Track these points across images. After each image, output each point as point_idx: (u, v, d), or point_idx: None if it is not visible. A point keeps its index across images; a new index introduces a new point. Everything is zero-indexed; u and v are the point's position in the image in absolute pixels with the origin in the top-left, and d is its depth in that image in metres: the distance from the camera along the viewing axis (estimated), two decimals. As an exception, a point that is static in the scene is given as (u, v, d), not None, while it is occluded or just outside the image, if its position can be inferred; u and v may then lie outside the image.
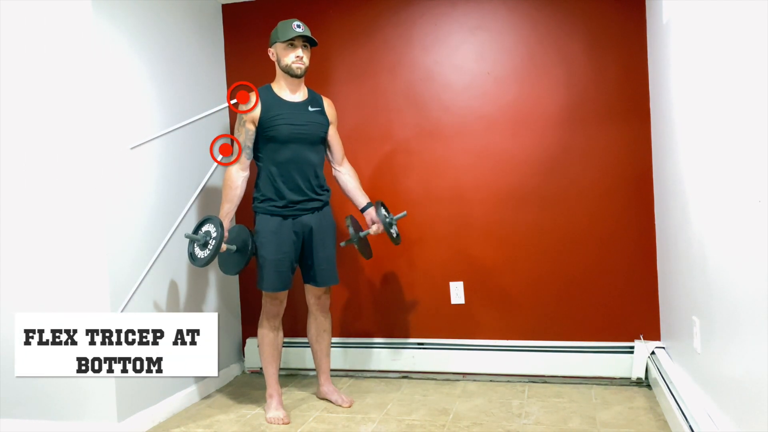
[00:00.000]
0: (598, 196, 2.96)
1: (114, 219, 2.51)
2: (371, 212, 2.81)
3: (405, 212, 2.83)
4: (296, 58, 2.62)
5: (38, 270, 2.51)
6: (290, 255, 2.67)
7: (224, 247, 2.60)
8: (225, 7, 3.40)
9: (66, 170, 2.47)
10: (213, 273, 3.17)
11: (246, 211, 3.12)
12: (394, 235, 2.82)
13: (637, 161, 2.91)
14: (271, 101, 2.65)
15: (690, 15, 2.02)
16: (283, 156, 2.64)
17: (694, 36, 1.98)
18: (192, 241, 2.64)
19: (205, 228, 2.64)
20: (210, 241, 2.59)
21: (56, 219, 2.48)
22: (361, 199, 2.83)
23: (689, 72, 2.07)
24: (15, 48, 2.49)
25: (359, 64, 3.23)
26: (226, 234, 2.60)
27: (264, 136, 2.64)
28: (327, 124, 2.76)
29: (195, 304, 3.02)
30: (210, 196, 3.13)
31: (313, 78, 3.17)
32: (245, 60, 3.35)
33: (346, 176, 2.85)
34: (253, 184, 2.73)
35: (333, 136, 2.81)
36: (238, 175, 2.65)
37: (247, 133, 2.64)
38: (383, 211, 2.77)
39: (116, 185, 2.54)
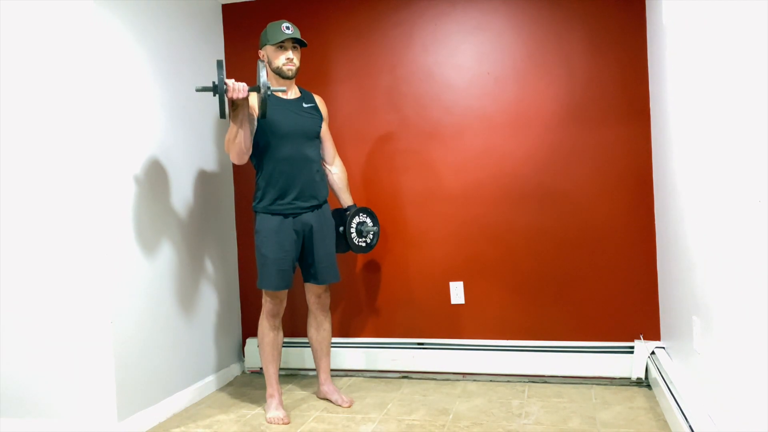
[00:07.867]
0: (598, 196, 2.96)
1: (114, 217, 2.51)
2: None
3: (377, 228, 2.96)
4: (287, 60, 2.63)
5: (38, 270, 2.51)
6: (291, 253, 2.67)
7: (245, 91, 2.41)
8: (225, 7, 3.40)
9: (66, 168, 2.46)
10: (213, 273, 3.17)
11: (245, 210, 3.13)
12: (362, 245, 2.90)
13: (637, 161, 2.91)
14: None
15: (690, 15, 2.02)
16: (282, 154, 2.64)
17: (694, 36, 1.98)
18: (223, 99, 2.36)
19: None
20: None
21: (56, 218, 2.48)
22: (347, 200, 2.91)
23: (689, 72, 2.07)
24: (15, 49, 2.49)
25: (359, 63, 3.23)
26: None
27: (262, 135, 2.64)
28: (321, 119, 2.78)
29: (195, 304, 3.02)
30: (210, 196, 3.13)
31: (313, 77, 3.17)
32: (245, 60, 3.35)
33: (335, 176, 2.89)
34: (252, 184, 2.73)
35: (325, 133, 2.83)
36: None
37: None
38: (358, 219, 2.88)
39: (117, 183, 2.54)
